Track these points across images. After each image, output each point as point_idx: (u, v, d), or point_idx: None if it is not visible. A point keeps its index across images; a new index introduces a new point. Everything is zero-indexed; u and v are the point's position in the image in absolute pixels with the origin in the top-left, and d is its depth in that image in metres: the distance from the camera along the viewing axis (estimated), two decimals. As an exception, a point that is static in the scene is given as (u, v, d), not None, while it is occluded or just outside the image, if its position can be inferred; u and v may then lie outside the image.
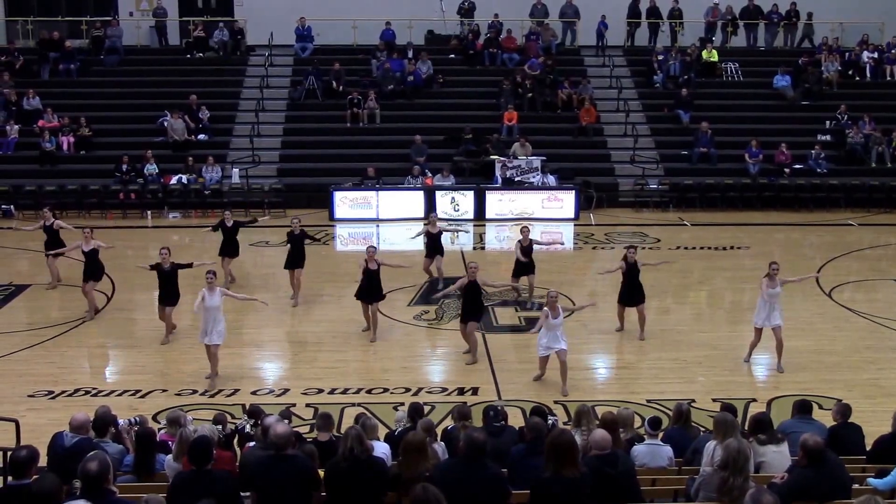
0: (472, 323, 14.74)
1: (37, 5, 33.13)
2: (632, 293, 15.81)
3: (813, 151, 27.57)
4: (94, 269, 16.78)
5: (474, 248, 22.49)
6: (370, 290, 15.57)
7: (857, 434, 9.62)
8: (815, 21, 32.46)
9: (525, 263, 17.41)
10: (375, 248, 15.98)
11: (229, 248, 18.51)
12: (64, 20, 32.45)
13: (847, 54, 31.76)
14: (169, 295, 15.50)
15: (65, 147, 27.31)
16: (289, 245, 17.72)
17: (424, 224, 19.58)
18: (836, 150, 28.37)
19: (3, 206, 25.10)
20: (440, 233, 18.69)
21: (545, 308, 13.50)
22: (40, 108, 28.11)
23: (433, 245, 18.57)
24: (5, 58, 30.06)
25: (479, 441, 7.13)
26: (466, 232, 22.50)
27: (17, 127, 27.58)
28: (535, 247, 17.77)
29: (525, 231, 17.69)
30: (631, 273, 15.72)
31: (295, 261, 17.59)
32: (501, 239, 22.11)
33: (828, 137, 28.75)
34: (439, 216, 20.38)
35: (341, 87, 29.47)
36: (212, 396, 13.31)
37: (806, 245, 23.84)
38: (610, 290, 17.08)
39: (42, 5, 33.16)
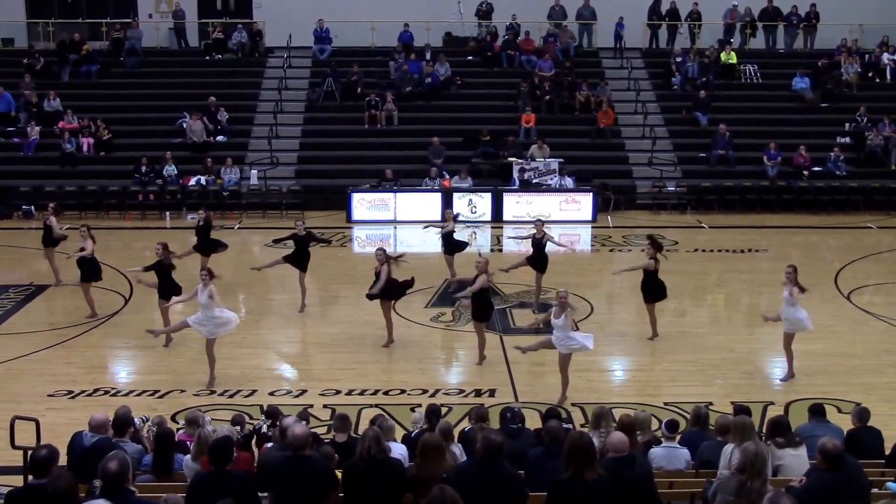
0: (478, 323, 14.65)
1: (58, 7, 33.37)
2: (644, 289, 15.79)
3: (832, 154, 27.43)
4: (86, 267, 16.73)
5: (492, 250, 22.51)
6: (384, 289, 15.34)
7: (876, 438, 9.56)
8: (834, 23, 32.23)
9: (536, 258, 17.26)
10: (384, 249, 15.65)
11: (203, 247, 18.40)
12: (84, 22, 32.66)
13: (867, 56, 31.61)
14: (166, 288, 15.39)
15: (85, 148, 27.50)
16: (294, 248, 17.41)
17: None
18: (856, 152, 28.22)
19: (23, 207, 25.29)
20: (451, 231, 18.58)
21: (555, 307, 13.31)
22: (61, 109, 28.32)
23: (446, 242, 18.59)
24: (26, 60, 30.31)
25: (496, 442, 7.14)
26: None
27: (37, 128, 27.79)
28: (550, 245, 17.48)
29: (539, 225, 17.49)
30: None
31: (299, 263, 17.26)
32: (519, 242, 22.07)
33: (847, 140, 28.60)
34: (455, 214, 20.26)
35: (360, 89, 29.54)
36: (230, 397, 13.36)
37: (824, 248, 23.74)
38: (626, 293, 17.05)
39: (63, 7, 33.40)
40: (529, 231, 17.91)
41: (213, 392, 13.48)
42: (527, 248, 18.11)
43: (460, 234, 19.06)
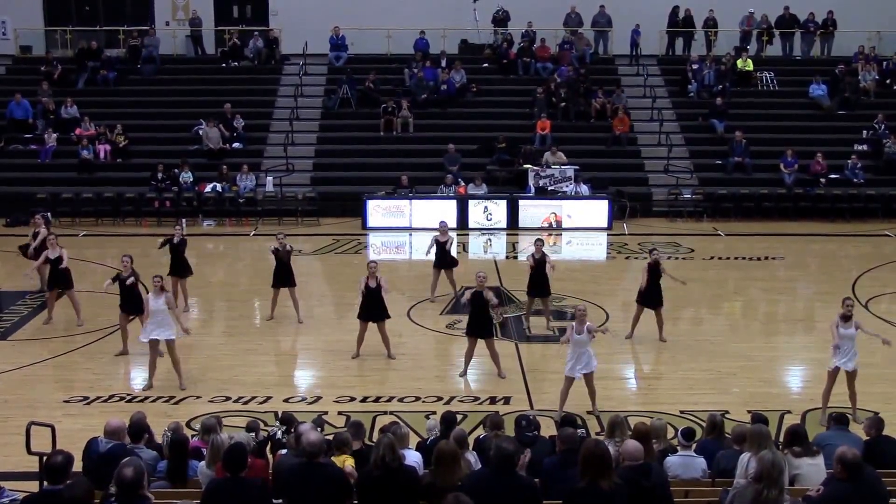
0: (488, 340, 14.38)
1: (75, 15, 33.57)
2: (650, 295, 15.78)
3: (849, 161, 27.30)
4: (56, 276, 16.72)
5: (507, 258, 22.48)
6: (370, 307, 15.02)
7: (894, 447, 9.48)
8: (851, 30, 32.09)
9: (538, 283, 16.56)
10: (376, 263, 15.40)
11: (178, 268, 17.50)
12: (102, 30, 32.84)
13: (885, 63, 31.45)
14: (128, 302, 15.19)
15: (102, 155, 27.63)
16: (275, 263, 16.90)
17: (434, 236, 18.52)
18: (874, 159, 28.09)
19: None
20: (448, 242, 18.26)
21: (573, 322, 13.04)
22: (78, 116, 28.47)
23: (442, 255, 18.20)
24: (44, 67, 30.49)
25: (507, 452, 7.08)
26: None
27: (55, 135, 27.98)
28: (547, 268, 16.53)
29: (539, 244, 16.86)
30: (652, 275, 15.71)
31: (285, 280, 16.93)
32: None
33: (864, 147, 28.49)
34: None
35: (375, 96, 29.56)
36: (245, 403, 13.37)
37: (842, 256, 23.58)
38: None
39: (80, 15, 33.60)
40: (529, 252, 17.42)
41: (228, 398, 13.48)
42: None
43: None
